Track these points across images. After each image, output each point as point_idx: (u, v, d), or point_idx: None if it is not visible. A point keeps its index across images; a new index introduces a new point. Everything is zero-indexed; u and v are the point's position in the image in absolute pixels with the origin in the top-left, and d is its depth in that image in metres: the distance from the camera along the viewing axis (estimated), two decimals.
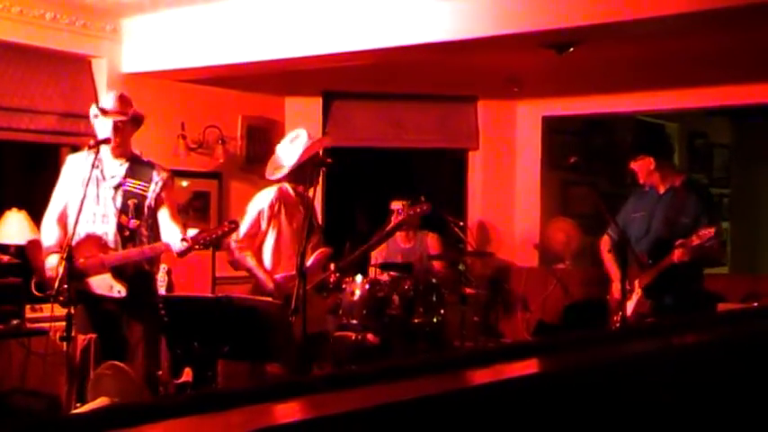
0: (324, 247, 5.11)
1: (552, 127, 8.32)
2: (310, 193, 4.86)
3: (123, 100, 4.58)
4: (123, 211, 4.51)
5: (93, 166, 4.48)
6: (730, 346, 2.59)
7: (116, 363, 4.21)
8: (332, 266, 4.88)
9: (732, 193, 10.71)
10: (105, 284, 4.44)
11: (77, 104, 6.15)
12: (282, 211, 4.99)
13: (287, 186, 5.12)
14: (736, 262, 10.43)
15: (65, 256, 4.27)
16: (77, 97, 6.32)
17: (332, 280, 4.89)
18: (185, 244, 4.33)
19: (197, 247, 4.43)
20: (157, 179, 4.58)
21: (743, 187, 10.70)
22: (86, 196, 4.45)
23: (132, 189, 4.54)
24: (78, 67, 6.53)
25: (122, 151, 4.57)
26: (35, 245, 4.92)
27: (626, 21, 4.86)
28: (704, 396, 2.39)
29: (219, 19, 6.23)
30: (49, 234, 4.62)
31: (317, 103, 7.83)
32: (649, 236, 5.01)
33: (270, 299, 4.60)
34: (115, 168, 4.56)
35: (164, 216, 4.58)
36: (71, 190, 4.57)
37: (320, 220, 5.26)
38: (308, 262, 4.65)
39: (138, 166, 4.60)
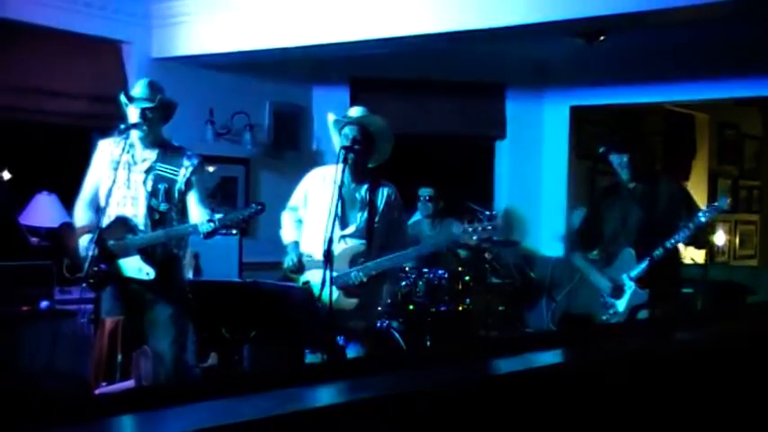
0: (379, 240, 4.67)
1: (581, 116, 8.26)
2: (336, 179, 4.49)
3: (153, 87, 4.60)
4: (153, 194, 4.54)
5: (124, 150, 4.53)
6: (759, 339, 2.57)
7: (144, 345, 4.25)
8: (359, 262, 4.52)
9: (762, 185, 10.59)
10: (134, 267, 4.48)
11: (107, 89, 6.19)
12: (313, 192, 4.67)
13: (329, 168, 4.71)
14: (765, 254, 10.34)
15: (95, 239, 4.32)
16: (107, 82, 6.37)
17: (351, 275, 4.53)
18: (212, 225, 4.34)
19: (223, 227, 4.42)
20: (188, 164, 4.59)
21: None
22: (117, 180, 4.49)
23: (163, 173, 4.56)
24: (108, 52, 6.57)
25: (153, 138, 4.59)
26: (68, 228, 4.97)
27: (656, 10, 4.82)
28: (735, 386, 2.38)
29: (248, 5, 6.24)
30: (82, 216, 4.67)
31: (344, 90, 7.83)
32: (627, 230, 4.92)
33: (295, 284, 4.59)
34: (146, 153, 4.59)
35: (192, 199, 4.59)
36: (102, 174, 4.61)
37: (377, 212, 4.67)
38: (337, 251, 4.47)
39: (169, 152, 4.62)
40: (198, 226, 4.39)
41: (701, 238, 4.91)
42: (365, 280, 4.51)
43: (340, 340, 4.52)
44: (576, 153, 8.23)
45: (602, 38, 5.89)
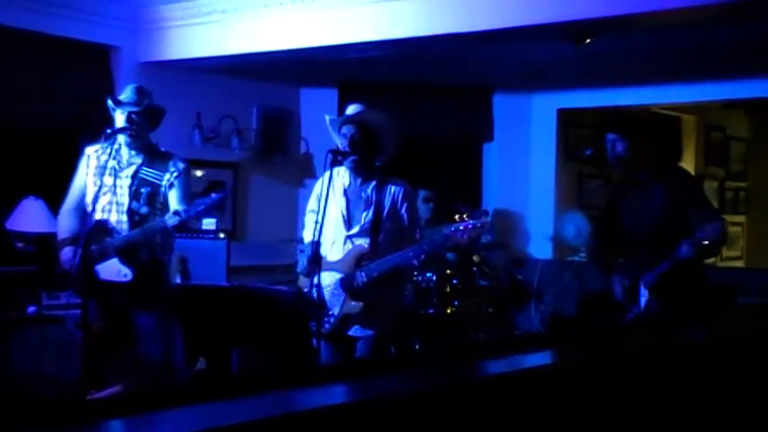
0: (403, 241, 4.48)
1: (568, 119, 8.29)
2: (321, 182, 4.47)
3: (140, 92, 4.59)
4: (135, 197, 4.52)
5: (110, 156, 4.52)
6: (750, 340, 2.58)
7: (131, 351, 4.23)
8: (364, 263, 4.38)
9: (749, 187, 10.65)
10: (113, 269, 4.45)
11: (95, 94, 6.17)
12: (325, 193, 4.38)
13: (340, 168, 4.56)
14: (752, 255, 10.39)
15: (82, 245, 4.31)
16: (94, 87, 6.35)
17: (356, 277, 4.41)
18: (178, 218, 4.32)
19: (193, 218, 4.41)
20: (173, 169, 4.56)
21: (760, 181, 10.64)
22: (103, 186, 4.48)
23: (147, 177, 4.55)
24: (96, 56, 6.56)
25: (139, 143, 4.57)
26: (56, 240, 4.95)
27: (644, 12, 4.83)
28: (724, 388, 2.38)
29: (236, 9, 6.23)
30: (66, 225, 4.64)
31: (332, 93, 7.82)
32: (636, 230, 4.58)
33: (284, 287, 4.58)
34: (132, 158, 4.58)
35: (173, 199, 4.53)
36: (88, 180, 4.59)
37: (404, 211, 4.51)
38: (341, 254, 4.43)
39: (155, 157, 4.61)
40: (166, 219, 4.38)
41: (709, 253, 4.60)
42: (366, 281, 4.34)
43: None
44: (564, 155, 8.26)
45: (588, 41, 5.90)
